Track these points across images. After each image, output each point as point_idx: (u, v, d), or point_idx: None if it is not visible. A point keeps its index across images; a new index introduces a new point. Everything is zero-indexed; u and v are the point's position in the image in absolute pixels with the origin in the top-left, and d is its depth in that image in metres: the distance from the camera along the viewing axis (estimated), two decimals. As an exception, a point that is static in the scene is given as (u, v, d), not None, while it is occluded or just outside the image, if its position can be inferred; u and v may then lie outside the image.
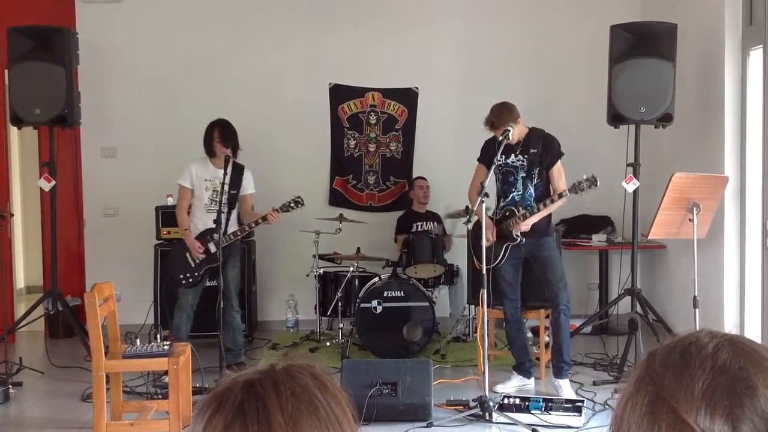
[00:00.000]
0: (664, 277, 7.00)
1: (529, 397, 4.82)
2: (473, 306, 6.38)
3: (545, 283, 5.20)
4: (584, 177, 4.90)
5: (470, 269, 6.26)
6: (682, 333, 0.92)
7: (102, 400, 4.25)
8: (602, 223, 7.20)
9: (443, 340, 6.44)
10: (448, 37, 7.42)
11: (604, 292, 7.12)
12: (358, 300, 6.23)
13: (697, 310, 5.03)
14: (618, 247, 6.74)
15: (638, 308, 5.77)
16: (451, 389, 5.26)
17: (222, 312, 5.72)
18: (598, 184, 4.87)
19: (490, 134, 5.21)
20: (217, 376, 5.44)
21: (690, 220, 5.03)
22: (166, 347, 4.41)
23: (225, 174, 5.61)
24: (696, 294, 5.02)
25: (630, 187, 5.69)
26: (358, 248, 6.65)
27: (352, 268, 6.55)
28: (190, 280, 5.74)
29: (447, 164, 7.31)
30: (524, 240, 5.12)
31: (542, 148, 5.12)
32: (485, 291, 4.81)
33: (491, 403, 4.68)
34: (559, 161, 5.11)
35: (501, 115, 5.01)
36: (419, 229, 6.88)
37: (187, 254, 5.73)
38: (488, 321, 4.98)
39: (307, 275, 6.83)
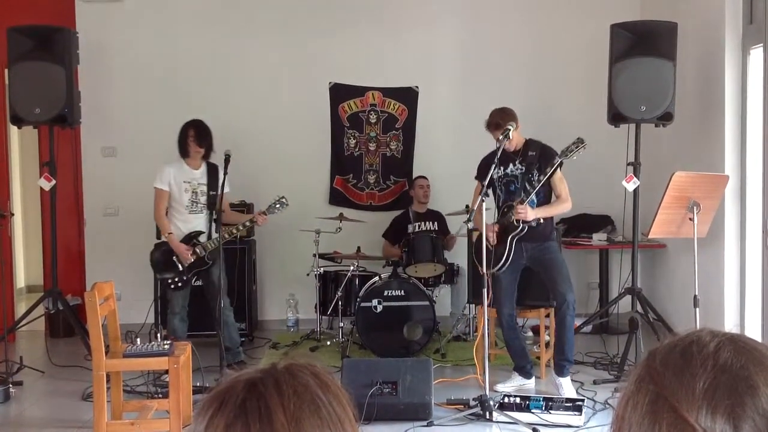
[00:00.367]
0: (664, 276, 7.00)
1: (530, 396, 4.82)
2: (474, 305, 6.38)
3: (551, 285, 5.16)
4: (571, 142, 4.89)
5: (471, 268, 6.26)
6: (682, 332, 0.92)
7: (102, 400, 4.25)
8: (602, 222, 7.20)
9: (443, 339, 6.44)
10: (449, 36, 7.41)
11: (604, 291, 7.12)
12: (358, 299, 6.23)
13: (697, 309, 5.03)
14: (618, 247, 6.74)
15: (638, 307, 5.77)
16: (451, 388, 5.26)
17: (215, 312, 5.76)
18: (585, 142, 4.85)
19: (490, 135, 5.20)
20: (218, 376, 5.45)
21: (690, 219, 5.03)
22: (166, 346, 4.41)
23: (225, 174, 5.60)
24: (696, 293, 5.01)
25: (630, 186, 5.69)
26: (359, 247, 6.65)
27: (352, 268, 6.55)
28: (179, 283, 5.74)
29: (447, 163, 7.32)
30: (526, 227, 5.07)
31: (540, 153, 5.13)
32: (486, 291, 4.81)
33: (491, 402, 4.68)
34: (560, 170, 5.09)
35: (503, 115, 5.01)
36: (418, 229, 6.87)
37: (174, 257, 5.71)
38: (488, 321, 4.97)
39: (308, 274, 6.83)
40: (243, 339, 6.79)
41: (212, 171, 5.82)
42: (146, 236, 6.78)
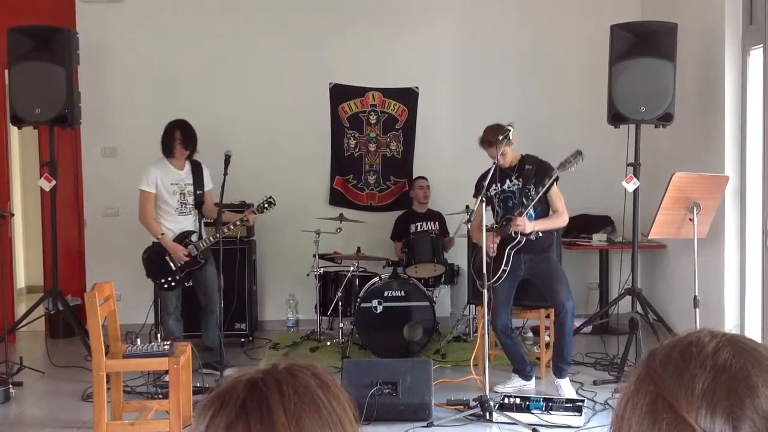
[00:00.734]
0: (664, 276, 7.00)
1: (530, 397, 4.82)
2: (474, 306, 6.38)
3: (550, 293, 5.18)
4: (569, 154, 4.93)
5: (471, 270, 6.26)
6: (682, 332, 0.92)
7: (102, 400, 4.25)
8: (602, 222, 7.20)
9: (443, 339, 6.44)
10: (449, 36, 7.42)
11: (604, 291, 7.12)
12: (358, 300, 6.23)
13: (697, 310, 5.03)
14: (618, 247, 6.74)
15: (638, 308, 5.77)
16: (451, 389, 5.26)
17: (205, 312, 5.81)
18: (583, 154, 4.90)
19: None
20: (218, 376, 5.46)
21: (690, 219, 5.03)
22: (166, 347, 4.41)
23: (225, 174, 5.61)
24: (696, 294, 5.02)
25: (630, 187, 5.69)
26: (359, 248, 6.65)
27: (352, 268, 6.55)
28: (173, 284, 5.75)
29: (447, 164, 7.32)
30: (524, 240, 5.10)
31: (536, 167, 5.16)
32: (486, 292, 4.82)
33: (491, 403, 4.68)
34: (556, 185, 5.10)
35: (495, 133, 4.99)
36: (419, 229, 6.87)
37: (167, 258, 5.71)
38: (488, 321, 4.97)
39: (308, 275, 6.83)
40: (243, 339, 6.80)
41: (196, 169, 5.81)
42: (146, 237, 6.75)
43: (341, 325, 6.51)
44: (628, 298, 5.85)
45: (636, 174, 5.70)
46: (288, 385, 0.88)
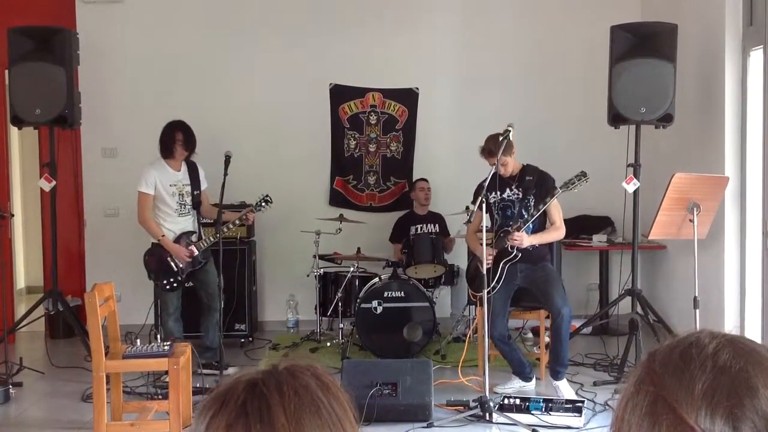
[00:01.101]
0: (664, 277, 7.00)
1: (530, 398, 4.82)
2: (474, 306, 6.37)
3: (546, 300, 5.20)
4: (573, 174, 4.97)
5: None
6: (682, 333, 0.92)
7: (102, 401, 4.25)
8: (602, 223, 7.21)
9: (443, 340, 6.44)
10: (449, 37, 7.42)
11: (604, 292, 7.12)
12: (358, 300, 6.23)
13: (697, 311, 5.03)
14: (618, 248, 6.73)
15: (638, 309, 5.77)
16: (451, 389, 5.26)
17: (206, 312, 5.80)
18: (588, 176, 4.95)
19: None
20: (218, 376, 5.45)
21: (690, 220, 5.03)
22: (166, 347, 4.41)
23: (225, 175, 5.61)
24: (696, 294, 5.02)
25: (630, 188, 5.69)
26: (359, 248, 6.65)
27: (352, 269, 6.55)
28: (174, 284, 5.74)
29: (447, 164, 7.32)
30: (520, 254, 5.13)
31: (537, 180, 5.18)
32: (486, 293, 4.82)
33: (491, 404, 4.68)
34: (556, 199, 5.11)
35: (496, 143, 4.98)
36: (419, 231, 6.87)
37: (168, 259, 5.70)
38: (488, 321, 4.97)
39: (308, 275, 6.83)
40: (243, 340, 6.80)
41: (192, 169, 5.81)
42: (146, 237, 6.75)
43: (341, 325, 6.51)
44: (628, 298, 5.85)
45: (636, 175, 5.70)
46: (288, 385, 0.88)
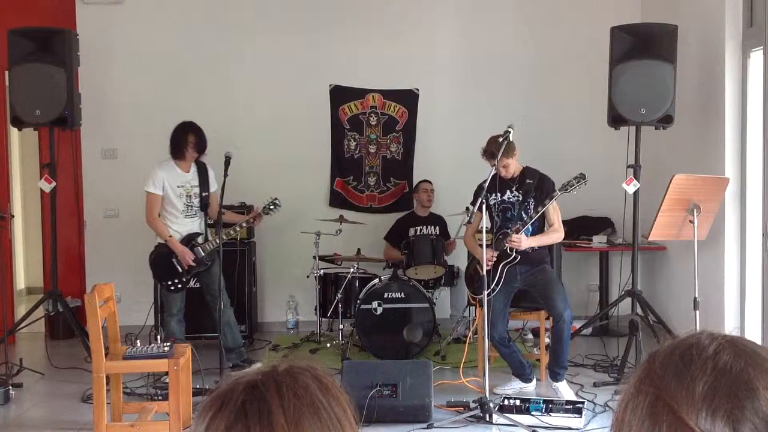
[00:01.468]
0: (664, 278, 7.00)
1: (530, 399, 4.82)
2: (473, 307, 6.37)
3: (547, 303, 5.21)
4: (572, 176, 4.97)
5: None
6: (682, 335, 0.92)
7: (102, 402, 4.25)
8: (603, 224, 7.21)
9: (443, 341, 6.44)
10: (449, 38, 7.42)
11: (604, 293, 7.12)
12: (358, 301, 6.23)
13: (697, 312, 5.03)
14: (618, 249, 6.74)
15: (639, 310, 5.77)
16: (451, 390, 5.25)
17: (213, 314, 5.75)
18: (587, 178, 4.96)
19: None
20: (218, 377, 5.45)
21: (690, 221, 5.03)
22: (166, 348, 4.41)
23: (225, 176, 5.60)
24: (696, 296, 5.02)
25: (630, 189, 5.69)
26: (359, 249, 6.65)
27: (352, 270, 6.54)
28: (179, 285, 5.73)
29: (447, 165, 7.32)
30: (519, 257, 5.13)
31: (537, 182, 5.18)
32: (486, 294, 4.82)
33: (491, 405, 4.68)
34: (555, 201, 5.11)
35: (497, 139, 4.99)
36: (418, 233, 6.86)
37: (173, 260, 5.70)
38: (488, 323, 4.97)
39: (308, 276, 6.83)
40: (243, 341, 6.78)
41: (202, 170, 5.78)
42: (146, 238, 6.77)
43: (341, 326, 6.51)
44: (628, 299, 5.85)
45: (636, 176, 5.70)
46: (287, 386, 0.88)
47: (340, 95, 7.45)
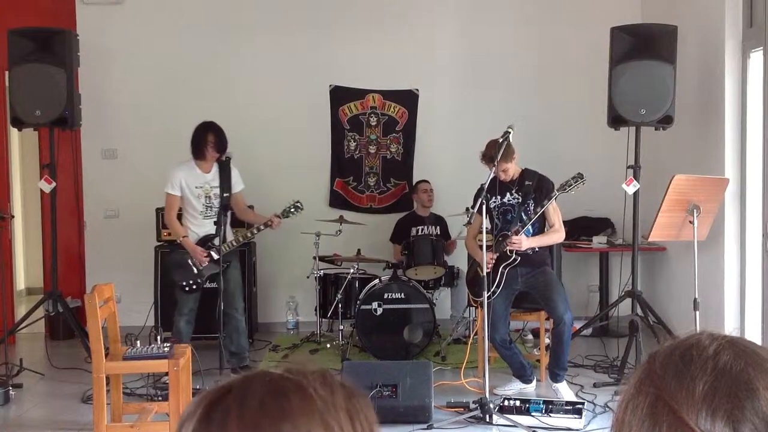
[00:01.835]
0: (664, 279, 7.00)
1: (530, 399, 4.82)
2: (474, 308, 6.37)
3: (548, 305, 5.21)
4: (570, 176, 4.98)
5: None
6: (682, 335, 0.92)
7: (102, 402, 4.25)
8: (602, 225, 7.21)
9: (443, 342, 6.44)
10: (449, 39, 7.42)
11: (604, 294, 7.12)
12: (358, 302, 6.23)
13: (697, 313, 5.03)
14: (618, 249, 6.74)
15: (639, 310, 5.77)
16: (451, 391, 5.25)
17: (226, 316, 5.71)
18: (585, 177, 4.95)
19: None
20: (218, 378, 5.45)
21: (690, 222, 5.03)
22: (166, 349, 4.41)
23: (225, 177, 5.60)
24: (696, 296, 5.02)
25: (630, 189, 5.70)
26: (359, 250, 6.65)
27: (352, 270, 6.54)
28: (194, 287, 5.69)
29: (447, 166, 7.32)
30: (519, 258, 5.13)
31: (536, 183, 5.18)
32: (486, 294, 4.82)
33: (491, 405, 4.68)
34: (554, 201, 5.11)
35: (496, 144, 4.98)
36: (419, 233, 6.86)
37: (189, 261, 5.67)
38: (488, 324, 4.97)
39: (308, 277, 6.83)
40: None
41: (224, 171, 5.72)
42: (146, 238, 6.80)
43: (341, 327, 6.51)
44: (628, 300, 5.85)
45: (636, 176, 5.70)
46: (255, 395, 0.83)
47: (340, 96, 7.45)
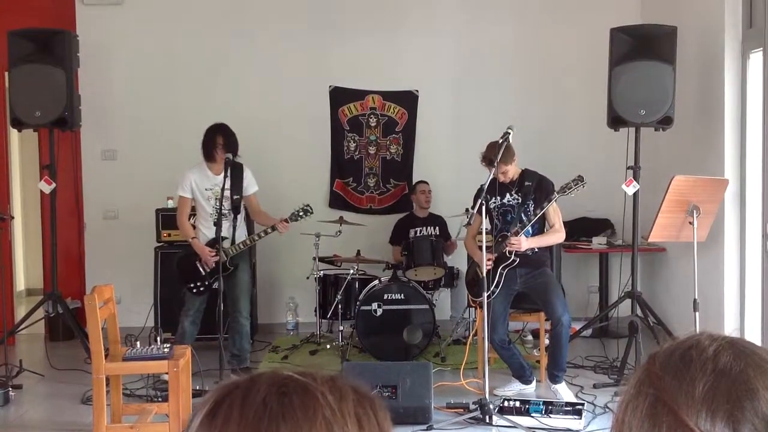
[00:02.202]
0: (664, 280, 7.00)
1: (530, 400, 4.82)
2: (473, 309, 6.37)
3: (546, 306, 5.21)
4: (570, 179, 4.97)
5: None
6: (682, 336, 0.92)
7: (102, 403, 4.25)
8: (602, 225, 7.21)
9: (443, 342, 6.44)
10: (448, 39, 7.42)
11: (604, 295, 7.12)
12: (358, 303, 6.23)
13: (697, 313, 5.03)
14: (618, 250, 6.73)
15: (638, 311, 5.77)
16: (451, 392, 5.25)
17: (230, 318, 5.72)
18: (585, 180, 4.96)
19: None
20: (218, 379, 5.45)
21: (690, 223, 5.03)
22: (166, 350, 4.41)
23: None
24: (696, 297, 5.02)
25: (630, 190, 5.70)
26: (358, 251, 6.64)
27: (352, 271, 6.54)
28: (201, 288, 5.69)
29: (447, 166, 7.33)
30: (518, 260, 5.13)
31: (536, 184, 5.18)
32: (486, 295, 4.83)
33: (491, 406, 4.68)
34: (555, 202, 5.11)
35: (496, 146, 4.98)
36: (418, 234, 6.86)
37: (197, 263, 5.67)
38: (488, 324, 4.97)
39: (308, 278, 6.83)
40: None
41: (236, 173, 5.70)
42: (146, 239, 6.80)
43: (341, 328, 6.50)
44: (628, 301, 5.85)
45: (636, 177, 5.70)
46: (258, 396, 0.82)
47: (339, 96, 7.45)
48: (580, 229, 7.07)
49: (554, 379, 5.20)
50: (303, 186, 7.32)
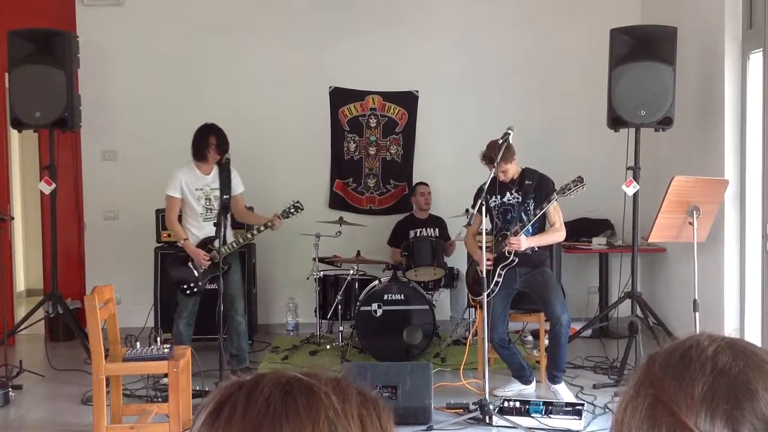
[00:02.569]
0: (664, 280, 7.00)
1: (530, 401, 4.82)
2: (473, 309, 6.37)
3: (545, 306, 5.21)
4: (570, 180, 4.97)
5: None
6: (682, 336, 0.92)
7: (102, 403, 4.25)
8: (602, 226, 7.21)
9: (443, 343, 6.44)
10: (449, 40, 7.42)
11: (604, 295, 7.12)
12: (358, 303, 6.23)
13: (697, 314, 5.03)
14: (618, 251, 6.74)
15: (638, 311, 5.77)
16: (451, 392, 5.25)
17: (226, 318, 5.70)
18: (585, 181, 4.95)
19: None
20: (217, 380, 5.45)
21: (690, 223, 5.03)
22: (166, 350, 4.41)
23: (225, 179, 5.59)
24: (696, 297, 5.02)
25: (630, 191, 5.70)
26: (358, 251, 6.64)
27: (352, 271, 6.54)
28: (195, 289, 5.68)
29: (447, 167, 7.32)
30: (517, 260, 5.13)
31: (537, 183, 5.18)
32: (485, 295, 4.83)
33: (491, 407, 4.68)
34: (555, 201, 5.11)
35: (497, 144, 4.98)
36: (418, 235, 6.85)
37: (190, 263, 5.66)
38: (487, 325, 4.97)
39: (307, 278, 6.82)
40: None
41: (224, 173, 5.71)
42: (146, 240, 6.80)
43: (341, 328, 6.51)
44: (628, 301, 5.85)
45: (636, 178, 5.70)
46: (262, 396, 0.82)
47: (339, 97, 7.45)
48: (580, 229, 7.07)
49: (553, 379, 5.20)
50: (303, 186, 7.31)
